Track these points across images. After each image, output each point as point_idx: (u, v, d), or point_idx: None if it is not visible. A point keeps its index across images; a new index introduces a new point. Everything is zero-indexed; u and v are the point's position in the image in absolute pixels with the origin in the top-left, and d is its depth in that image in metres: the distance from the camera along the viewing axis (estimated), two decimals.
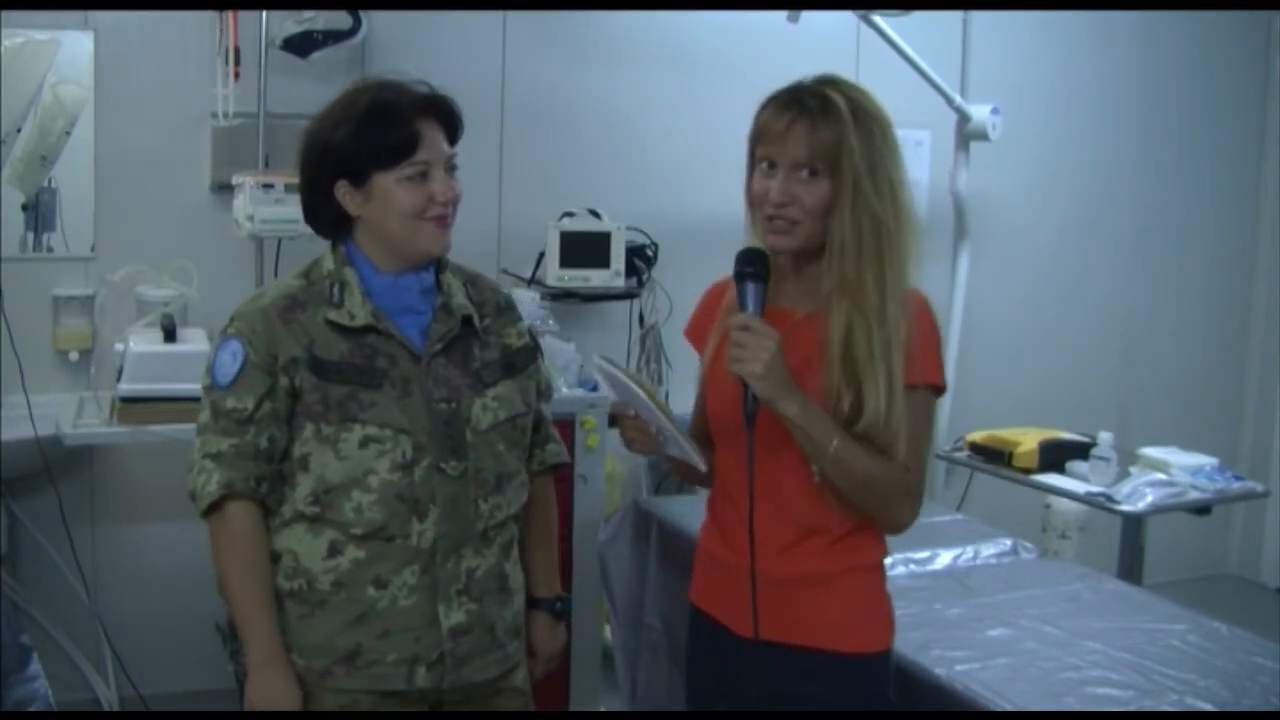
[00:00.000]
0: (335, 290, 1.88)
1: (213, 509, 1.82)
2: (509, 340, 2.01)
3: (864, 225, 1.74)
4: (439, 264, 1.96)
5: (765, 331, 1.70)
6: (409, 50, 3.51)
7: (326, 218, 1.92)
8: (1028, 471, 3.34)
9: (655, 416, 1.77)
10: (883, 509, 1.79)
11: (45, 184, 3.36)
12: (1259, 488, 3.37)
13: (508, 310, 2.04)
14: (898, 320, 1.74)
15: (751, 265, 1.77)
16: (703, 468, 1.81)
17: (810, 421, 1.71)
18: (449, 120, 1.91)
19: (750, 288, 1.75)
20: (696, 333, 1.97)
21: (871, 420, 1.72)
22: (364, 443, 1.83)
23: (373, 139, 1.83)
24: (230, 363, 1.84)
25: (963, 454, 3.55)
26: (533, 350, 2.06)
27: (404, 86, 1.88)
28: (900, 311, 1.75)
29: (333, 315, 1.86)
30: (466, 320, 1.95)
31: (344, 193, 1.87)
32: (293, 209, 3.01)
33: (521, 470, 2.01)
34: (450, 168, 1.89)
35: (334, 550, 1.84)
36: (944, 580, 2.66)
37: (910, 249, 1.77)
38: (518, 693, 2.02)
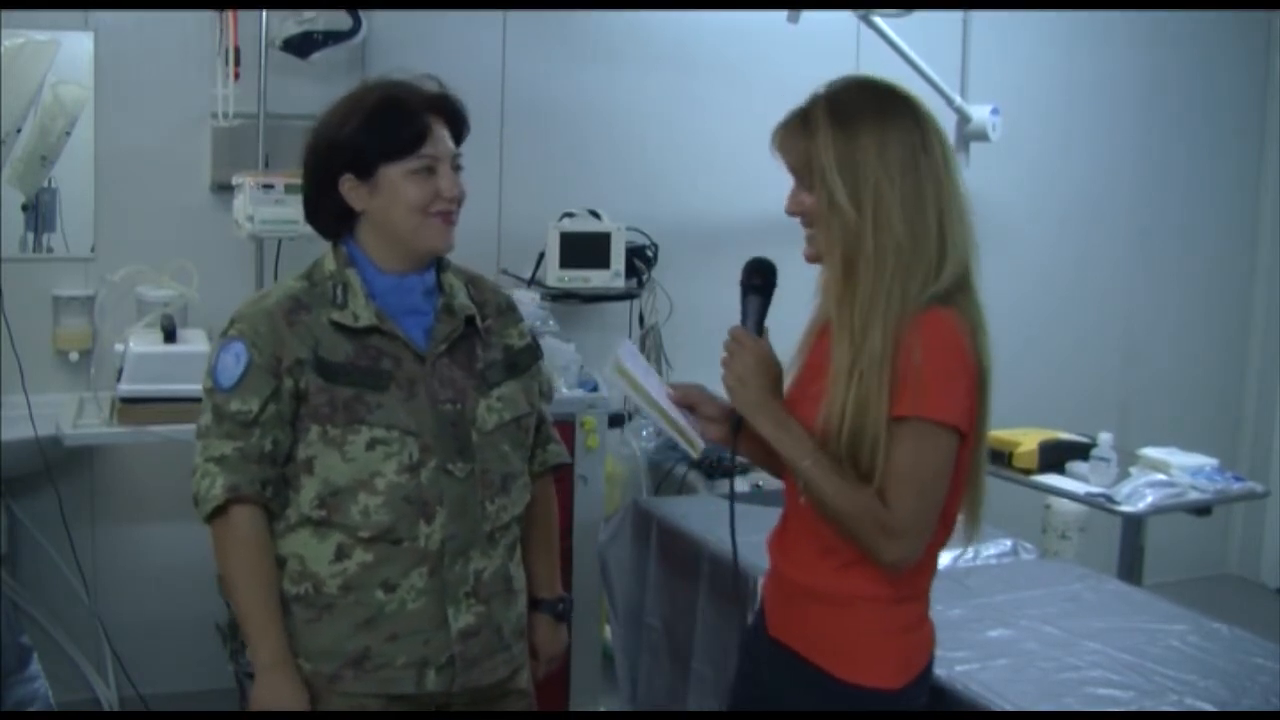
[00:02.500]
0: (338, 291, 1.87)
1: (217, 513, 1.81)
2: (511, 341, 2.01)
3: (835, 238, 1.68)
4: (440, 264, 1.95)
5: (750, 346, 1.72)
6: (409, 50, 3.51)
7: (329, 214, 1.91)
8: (1028, 472, 3.34)
9: (649, 412, 1.82)
10: (858, 540, 1.67)
11: (45, 184, 3.36)
12: (1259, 488, 3.37)
13: (509, 311, 2.04)
14: (874, 342, 1.63)
15: (757, 276, 1.77)
16: (693, 454, 1.83)
17: (781, 441, 1.69)
18: (455, 120, 1.92)
19: (750, 300, 1.77)
20: None
21: (834, 443, 1.66)
22: (371, 445, 1.82)
23: (382, 131, 1.84)
24: (234, 365, 1.82)
25: None
26: (535, 351, 2.06)
27: (414, 84, 1.89)
28: (882, 333, 1.64)
29: (336, 316, 1.85)
30: (469, 321, 1.94)
31: (350, 187, 1.86)
32: (293, 209, 3.04)
33: (525, 471, 2.01)
34: (456, 166, 1.90)
35: (341, 553, 1.83)
36: (944, 581, 2.63)
37: (906, 265, 1.65)
38: (522, 694, 2.02)
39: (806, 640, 1.78)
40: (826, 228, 1.69)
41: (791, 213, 1.75)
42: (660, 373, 3.90)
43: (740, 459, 1.90)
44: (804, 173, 1.72)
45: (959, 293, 1.71)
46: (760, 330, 1.77)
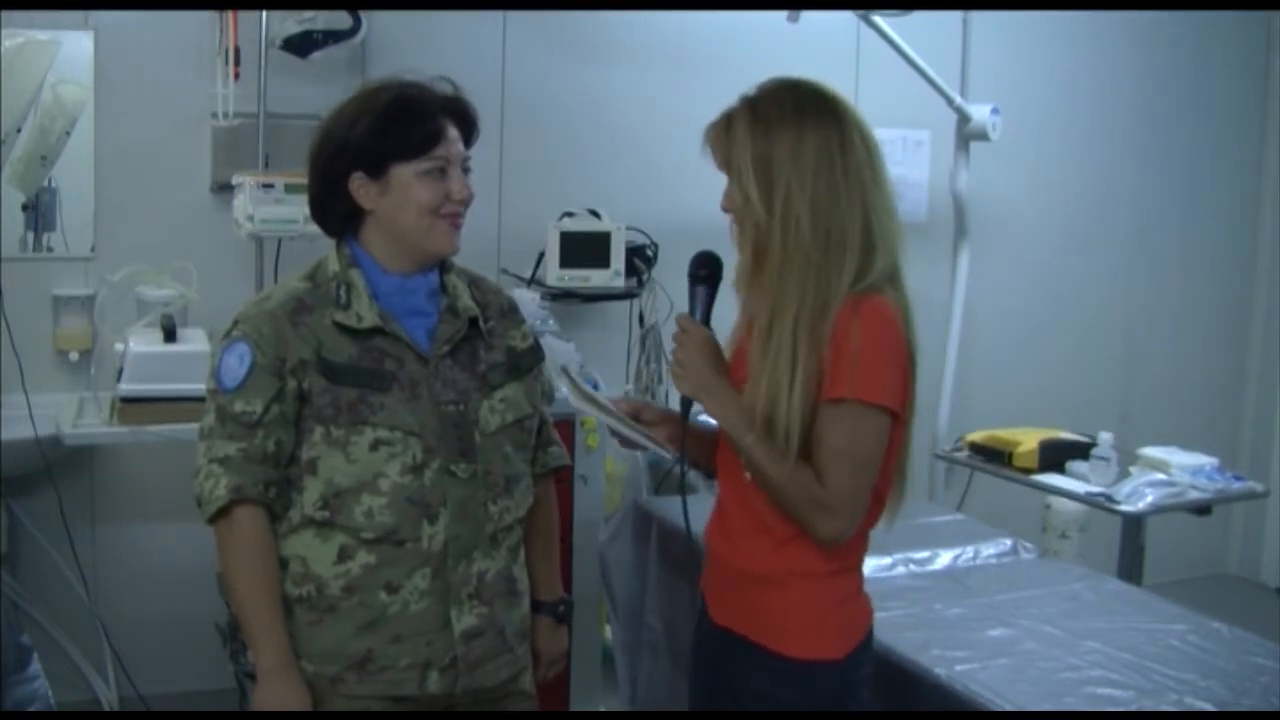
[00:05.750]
0: (341, 292, 1.87)
1: (220, 514, 1.80)
2: (513, 342, 2.01)
3: (747, 234, 1.76)
4: (443, 265, 1.95)
5: (693, 331, 1.81)
6: (409, 50, 3.51)
7: (336, 212, 1.90)
8: (1028, 471, 3.34)
9: (610, 422, 1.86)
10: (795, 515, 1.74)
11: (45, 184, 3.36)
12: (1259, 488, 3.37)
13: (511, 312, 2.04)
14: (782, 335, 1.70)
15: (704, 268, 1.85)
16: (668, 455, 1.87)
17: (726, 417, 1.76)
18: (467, 122, 1.92)
19: (698, 290, 1.85)
20: None
21: (762, 426, 1.71)
22: (374, 445, 1.82)
23: (395, 131, 1.83)
24: (237, 366, 1.82)
25: (963, 454, 3.55)
26: (537, 352, 2.06)
27: (428, 84, 1.90)
28: (792, 329, 1.70)
29: (340, 317, 1.85)
30: (472, 322, 1.94)
31: (359, 185, 1.85)
32: (293, 209, 3.05)
33: (528, 473, 2.01)
34: (466, 169, 1.90)
35: (344, 555, 1.83)
36: (944, 580, 2.66)
37: (816, 265, 1.71)
38: (525, 696, 2.02)
39: (750, 622, 1.82)
40: (740, 223, 1.77)
41: (724, 209, 1.81)
42: (662, 373, 3.90)
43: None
44: (726, 168, 1.78)
45: (888, 285, 1.76)
46: (708, 318, 1.84)
